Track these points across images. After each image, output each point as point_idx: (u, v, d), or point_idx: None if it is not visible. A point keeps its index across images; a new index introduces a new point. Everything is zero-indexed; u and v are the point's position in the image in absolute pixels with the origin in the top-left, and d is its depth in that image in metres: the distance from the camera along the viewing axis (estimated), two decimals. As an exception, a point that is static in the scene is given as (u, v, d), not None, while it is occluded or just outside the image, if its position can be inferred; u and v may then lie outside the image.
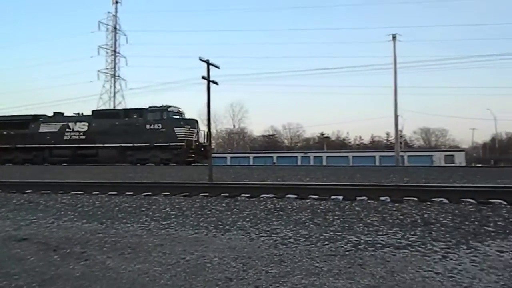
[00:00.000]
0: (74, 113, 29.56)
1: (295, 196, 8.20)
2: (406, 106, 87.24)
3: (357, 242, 4.58)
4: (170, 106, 26.32)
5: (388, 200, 7.74)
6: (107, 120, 26.64)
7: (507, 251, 4.11)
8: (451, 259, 3.83)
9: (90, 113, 28.49)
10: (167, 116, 25.63)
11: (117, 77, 55.64)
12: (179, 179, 13.24)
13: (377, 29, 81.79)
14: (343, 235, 4.95)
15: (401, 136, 46.88)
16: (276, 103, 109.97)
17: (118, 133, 25.67)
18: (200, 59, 13.27)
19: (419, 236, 4.90)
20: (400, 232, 5.14)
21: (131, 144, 25.19)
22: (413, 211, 6.64)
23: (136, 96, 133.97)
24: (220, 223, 5.95)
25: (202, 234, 5.23)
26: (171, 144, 24.60)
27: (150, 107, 26.51)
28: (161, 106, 26.28)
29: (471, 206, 7.19)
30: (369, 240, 4.65)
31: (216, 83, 13.95)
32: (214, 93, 14.08)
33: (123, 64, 58.76)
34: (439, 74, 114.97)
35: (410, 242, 4.54)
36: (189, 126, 25.47)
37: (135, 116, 26.30)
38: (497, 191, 8.38)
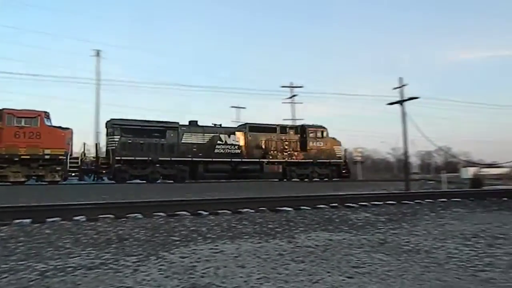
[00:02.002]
0: (214, 124, 25.73)
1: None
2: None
3: (45, 269, 4.13)
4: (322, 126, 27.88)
5: (84, 219, 7.44)
6: (264, 135, 26.00)
7: (187, 256, 4.73)
8: (141, 271, 4.04)
9: (242, 126, 27.12)
10: (327, 135, 27.58)
11: None
12: None
13: (85, 42, 79.42)
14: (28, 264, 4.35)
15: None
16: None
17: (279, 149, 25.89)
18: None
19: (113, 253, 4.93)
20: (93, 251, 5.01)
21: (296, 160, 26.11)
22: (109, 229, 6.64)
23: None
24: None
25: None
26: (331, 161, 27.02)
27: (304, 125, 28.06)
28: (318, 125, 27.95)
29: (161, 219, 7.89)
30: (59, 265, 4.28)
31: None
32: None
33: None
34: (144, 96, 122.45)
35: (103, 261, 4.49)
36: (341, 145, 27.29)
37: (291, 132, 27.08)
38: (183, 204, 9.61)
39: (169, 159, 22.70)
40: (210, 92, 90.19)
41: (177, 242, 5.69)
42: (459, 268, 4.13)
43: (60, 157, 19.93)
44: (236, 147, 24.98)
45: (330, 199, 11.91)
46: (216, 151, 24.28)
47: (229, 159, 24.34)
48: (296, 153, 26.45)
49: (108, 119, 23.32)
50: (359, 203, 11.19)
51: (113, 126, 22.60)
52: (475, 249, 5.11)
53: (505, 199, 13.35)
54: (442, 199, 12.73)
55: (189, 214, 8.62)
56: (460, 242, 5.62)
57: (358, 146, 40.71)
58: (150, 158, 22.28)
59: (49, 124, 20.13)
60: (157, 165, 22.56)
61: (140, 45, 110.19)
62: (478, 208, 10.62)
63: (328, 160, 27.06)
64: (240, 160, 24.65)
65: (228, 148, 24.67)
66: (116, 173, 21.62)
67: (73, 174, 20.95)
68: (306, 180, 26.17)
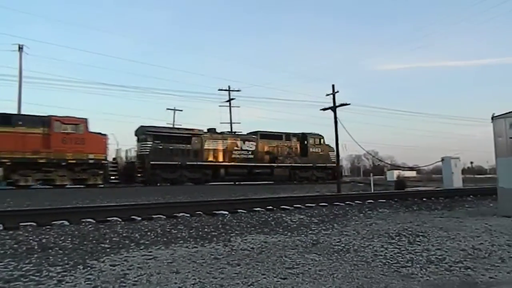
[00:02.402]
0: (228, 132, 30.13)
1: None
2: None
3: (-47, 284, 3.71)
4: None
5: (1, 228, 6.84)
6: (273, 141, 28.90)
7: (118, 264, 4.52)
8: (67, 282, 3.79)
9: (253, 133, 29.17)
10: (323, 142, 31.25)
11: None
12: None
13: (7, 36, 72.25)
14: None
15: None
16: None
17: (285, 154, 29.34)
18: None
19: (35, 263, 4.57)
20: (13, 262, 4.61)
21: (300, 164, 29.78)
22: (31, 237, 6.16)
23: None
24: None
25: None
26: (328, 165, 30.59)
27: (305, 133, 30.99)
28: (316, 134, 31.51)
29: (90, 226, 7.48)
30: (-29, 279, 3.87)
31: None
32: None
33: None
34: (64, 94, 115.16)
35: (23, 272, 4.14)
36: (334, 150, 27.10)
37: (294, 140, 30.40)
38: (113, 210, 9.19)
39: (195, 163, 25.27)
40: (145, 93, 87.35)
41: (108, 250, 5.43)
42: (384, 265, 4.40)
43: (102, 161, 21.72)
44: (250, 152, 28.05)
45: (266, 201, 12.11)
46: (233, 156, 27.21)
47: (246, 164, 27.42)
48: (298, 158, 30.06)
49: (139, 126, 25.28)
50: (294, 205, 11.49)
51: (146, 133, 24.47)
52: (398, 246, 5.48)
53: (424, 199, 14.50)
54: (370, 201, 13.50)
55: (121, 220, 8.27)
56: (385, 240, 5.99)
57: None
58: (179, 163, 24.50)
59: (90, 130, 21.69)
60: (185, 169, 24.97)
61: (70, 44, 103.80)
62: (401, 208, 11.41)
63: (324, 164, 30.87)
64: (254, 164, 27.79)
65: (243, 154, 27.75)
66: (149, 176, 23.34)
67: (112, 177, 22.47)
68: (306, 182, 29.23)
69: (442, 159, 26.83)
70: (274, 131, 30.21)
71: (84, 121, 21.37)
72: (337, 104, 23.17)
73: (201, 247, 5.67)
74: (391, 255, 4.91)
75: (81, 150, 20.81)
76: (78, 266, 4.41)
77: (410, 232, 6.68)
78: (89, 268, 4.32)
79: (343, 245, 5.64)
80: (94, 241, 6.02)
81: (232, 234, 6.84)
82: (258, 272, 4.15)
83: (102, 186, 21.36)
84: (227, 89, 39.76)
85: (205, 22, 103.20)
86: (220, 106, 39.94)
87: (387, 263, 4.49)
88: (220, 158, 26.74)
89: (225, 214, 9.63)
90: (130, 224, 7.86)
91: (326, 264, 4.46)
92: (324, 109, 23.95)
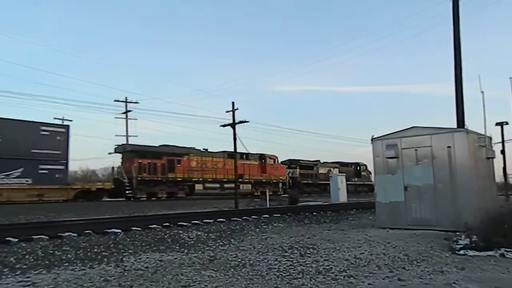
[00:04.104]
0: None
1: None
2: None
3: None
4: None
5: None
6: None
7: None
8: None
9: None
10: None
11: None
12: None
13: None
14: None
15: None
16: None
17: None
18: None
19: None
20: None
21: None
22: None
23: None
24: None
25: None
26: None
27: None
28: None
29: (-49, 251, 6.43)
30: None
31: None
32: None
33: None
34: None
35: None
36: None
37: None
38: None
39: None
40: (31, 100, 78.68)
41: (-26, 278, 4.71)
42: (277, 278, 4.58)
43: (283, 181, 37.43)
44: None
45: (163, 218, 11.74)
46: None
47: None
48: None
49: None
50: (192, 222, 11.34)
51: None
52: (291, 259, 5.76)
53: (315, 213, 15.53)
54: (266, 215, 13.99)
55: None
56: (279, 254, 6.25)
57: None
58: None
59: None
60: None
61: None
62: (294, 222, 12.05)
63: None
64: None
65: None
66: None
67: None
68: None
69: (330, 176, 29.13)
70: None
71: (276, 157, 37.39)
72: (236, 121, 23.71)
73: (89, 269, 5.25)
74: (284, 268, 5.13)
75: (274, 174, 36.76)
76: None
77: (301, 245, 7.08)
78: None
79: (239, 260, 5.73)
80: (-45, 269, 5.17)
81: (125, 254, 6.48)
82: (152, 292, 3.98)
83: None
84: (124, 100, 37.96)
85: (103, 34, 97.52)
86: (116, 118, 37.94)
87: (280, 276, 4.68)
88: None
89: (118, 232, 9.09)
90: (5, 247, 6.94)
91: (222, 280, 4.48)
92: (224, 126, 24.30)
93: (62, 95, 66.38)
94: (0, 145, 22.26)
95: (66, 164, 25.74)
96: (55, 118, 38.42)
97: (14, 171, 22.69)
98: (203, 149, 31.96)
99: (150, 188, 27.17)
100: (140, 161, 26.72)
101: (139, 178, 26.18)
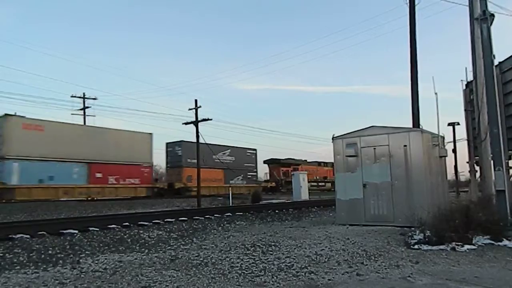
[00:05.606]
0: None
1: None
2: None
3: None
4: None
5: None
6: None
7: None
8: None
9: None
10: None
11: None
12: None
13: None
14: None
15: None
16: None
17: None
18: None
19: None
20: None
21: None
22: None
23: None
24: None
25: None
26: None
27: None
28: None
29: None
30: None
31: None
32: None
33: None
34: None
35: None
36: None
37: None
38: None
39: None
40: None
41: None
42: (240, 276, 4.59)
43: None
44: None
45: (123, 218, 11.43)
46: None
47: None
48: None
49: None
50: (153, 221, 11.12)
51: None
52: (253, 257, 5.79)
53: (277, 211, 15.67)
54: (228, 214, 13.96)
55: None
56: (241, 252, 6.26)
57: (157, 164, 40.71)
58: None
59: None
60: None
61: None
62: (257, 220, 12.11)
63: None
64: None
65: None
66: None
67: None
68: None
69: (293, 174, 29.50)
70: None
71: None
72: (199, 119, 23.47)
73: (43, 271, 5.02)
74: (246, 266, 5.14)
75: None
76: None
77: (263, 243, 7.12)
78: None
79: (201, 259, 5.68)
80: None
81: (82, 255, 6.25)
82: (110, 294, 3.87)
83: None
84: (82, 96, 36.57)
85: (60, 22, 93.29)
86: (72, 114, 36.49)
87: (242, 274, 4.68)
88: None
89: (74, 233, 8.76)
90: None
91: (184, 280, 4.42)
92: (186, 123, 23.98)
93: (16, 90, 62.97)
94: None
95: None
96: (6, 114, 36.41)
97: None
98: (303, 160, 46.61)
99: None
100: None
101: None
